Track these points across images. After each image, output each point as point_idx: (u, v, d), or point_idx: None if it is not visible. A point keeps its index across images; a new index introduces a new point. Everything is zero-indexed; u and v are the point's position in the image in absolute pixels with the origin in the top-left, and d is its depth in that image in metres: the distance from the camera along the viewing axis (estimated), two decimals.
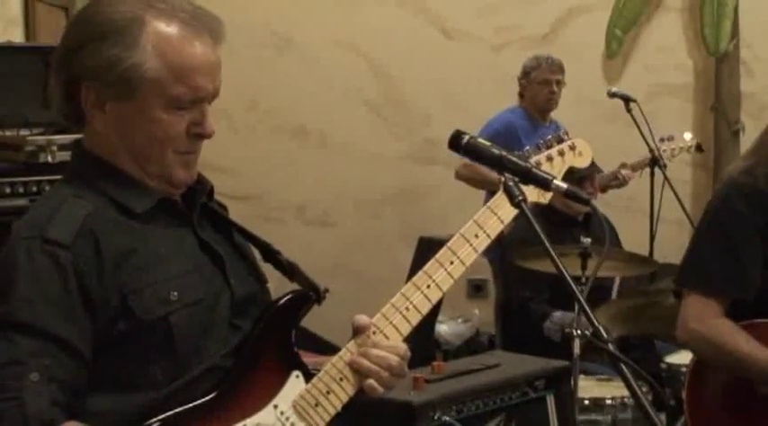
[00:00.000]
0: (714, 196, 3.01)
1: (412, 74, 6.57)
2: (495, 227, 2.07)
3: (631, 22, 6.74)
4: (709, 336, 2.84)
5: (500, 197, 2.07)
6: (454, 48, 6.65)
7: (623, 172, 5.58)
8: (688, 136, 5.81)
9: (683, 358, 4.27)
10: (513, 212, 2.07)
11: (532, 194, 2.14)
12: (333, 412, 1.88)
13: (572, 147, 2.27)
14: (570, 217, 4.67)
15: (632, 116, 5.40)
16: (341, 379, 1.90)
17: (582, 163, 2.32)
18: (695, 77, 6.82)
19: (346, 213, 6.49)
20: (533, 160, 2.21)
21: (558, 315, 4.45)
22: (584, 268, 4.00)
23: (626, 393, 3.87)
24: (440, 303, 5.47)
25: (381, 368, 1.89)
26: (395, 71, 6.57)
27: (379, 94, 6.57)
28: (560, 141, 2.28)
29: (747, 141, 6.51)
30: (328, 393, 1.89)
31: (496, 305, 5.30)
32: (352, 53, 6.50)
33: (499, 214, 2.08)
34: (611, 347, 2.08)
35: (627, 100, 5.47)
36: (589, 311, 2.04)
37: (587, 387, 3.99)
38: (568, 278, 2.11)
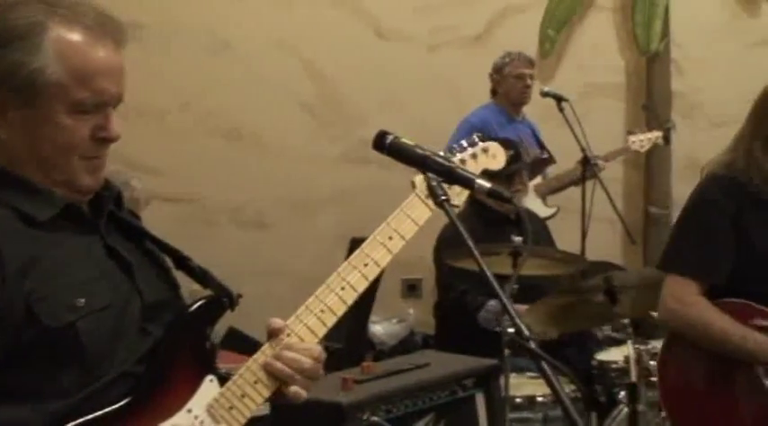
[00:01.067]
0: (694, 189, 3.18)
1: (347, 74, 6.56)
2: (409, 229, 2.07)
3: (564, 22, 6.79)
4: (684, 314, 3.03)
5: (413, 198, 2.09)
6: (389, 48, 6.65)
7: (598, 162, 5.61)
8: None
9: (613, 355, 4.32)
10: (428, 213, 2.08)
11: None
12: (247, 414, 1.88)
13: (485, 150, 2.29)
14: (503, 216, 4.69)
15: (564, 115, 5.45)
16: (255, 382, 1.90)
17: (495, 165, 2.34)
18: (627, 77, 6.89)
19: (282, 215, 6.45)
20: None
21: (492, 303, 4.44)
22: (515, 266, 4.01)
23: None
24: (371, 303, 5.49)
25: (294, 370, 1.90)
26: (329, 72, 6.55)
27: (313, 95, 6.55)
28: (473, 145, 2.30)
29: (677, 139, 6.62)
30: (243, 396, 1.88)
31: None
32: (286, 54, 6.47)
33: (413, 216, 2.08)
34: (532, 345, 2.08)
35: (559, 99, 5.51)
36: (511, 309, 2.03)
37: (519, 385, 4.01)
38: (490, 277, 2.11)
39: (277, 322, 1.93)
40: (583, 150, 5.46)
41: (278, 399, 1.94)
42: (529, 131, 5.92)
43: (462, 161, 2.23)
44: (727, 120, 6.75)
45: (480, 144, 2.30)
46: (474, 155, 2.27)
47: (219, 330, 2.95)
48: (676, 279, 3.08)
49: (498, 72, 5.87)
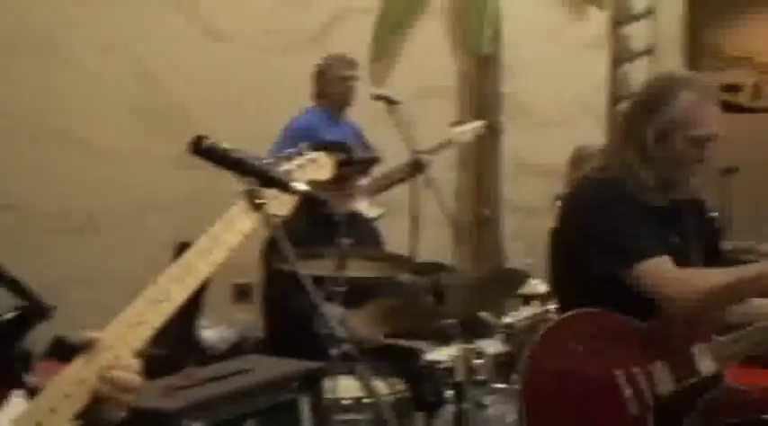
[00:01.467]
0: (574, 196, 3.17)
1: (179, 77, 6.46)
2: (233, 238, 2.04)
3: (397, 25, 6.86)
4: (684, 291, 2.89)
5: (236, 207, 2.06)
6: (223, 51, 6.58)
7: (422, 157, 5.63)
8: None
9: (440, 355, 4.37)
10: (253, 223, 2.06)
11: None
12: None
13: (312, 161, 2.29)
14: (331, 217, 4.69)
15: (395, 118, 5.51)
16: (66, 396, 1.83)
17: (322, 176, 2.33)
18: (458, 79, 7.00)
19: (112, 220, 6.31)
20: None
21: (324, 306, 4.43)
22: (342, 269, 4.01)
23: (387, 391, 3.92)
24: (197, 308, 5.40)
25: (113, 388, 1.84)
26: (161, 75, 6.44)
27: (144, 98, 6.43)
28: (299, 155, 2.29)
29: (506, 141, 6.76)
30: (53, 410, 1.82)
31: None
32: (116, 55, 6.33)
33: (238, 225, 2.05)
34: (346, 347, 2.11)
35: (390, 102, 5.57)
36: (326, 312, 2.04)
37: (348, 387, 4.01)
38: (306, 281, 2.13)
39: (91, 334, 1.87)
40: (413, 153, 5.53)
41: (91, 415, 1.88)
42: (351, 133, 5.95)
43: (288, 171, 2.21)
44: (555, 122, 7.02)
45: (307, 154, 2.29)
46: (301, 166, 2.26)
47: (42, 339, 2.87)
48: (644, 267, 2.92)
49: (321, 76, 5.92)
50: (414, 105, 6.02)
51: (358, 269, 4.05)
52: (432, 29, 6.98)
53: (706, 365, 2.95)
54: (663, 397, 2.92)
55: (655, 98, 3.02)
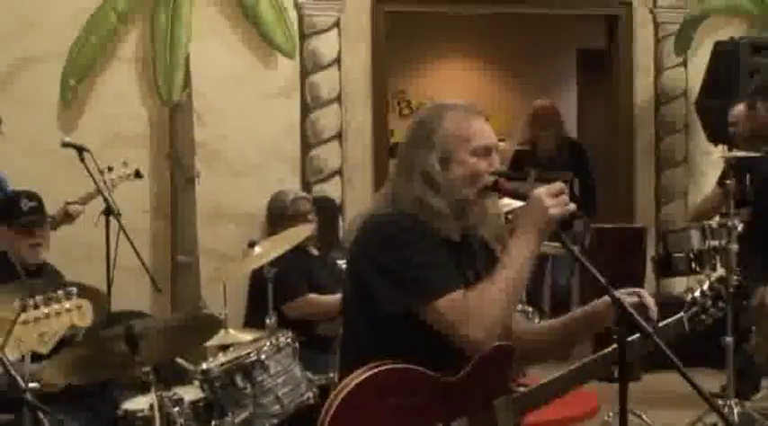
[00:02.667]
0: (365, 236, 2.95)
1: None
2: None
3: (85, 71, 6.74)
4: (480, 314, 2.77)
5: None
6: None
7: (71, 207, 5.52)
8: (126, 165, 5.83)
9: (139, 403, 4.30)
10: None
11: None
12: None
13: (78, 307, 2.48)
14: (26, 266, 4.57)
15: (86, 165, 5.42)
16: None
17: (83, 322, 2.53)
18: (150, 126, 6.95)
19: None
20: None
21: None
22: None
23: None
24: None
25: None
26: None
27: None
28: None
29: (202, 188, 6.78)
30: None
31: None
32: None
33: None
34: (28, 397, 2.06)
35: (80, 149, 5.49)
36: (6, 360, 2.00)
37: None
38: None
39: None
40: (105, 201, 5.46)
41: None
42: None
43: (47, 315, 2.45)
44: (248, 168, 7.10)
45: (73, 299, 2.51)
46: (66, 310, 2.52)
47: None
48: (443, 302, 2.78)
49: None
50: (105, 152, 5.93)
51: None
52: (121, 75, 6.89)
53: (506, 418, 2.94)
54: None
55: (425, 126, 2.97)
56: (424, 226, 2.87)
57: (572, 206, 2.84)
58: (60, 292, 2.42)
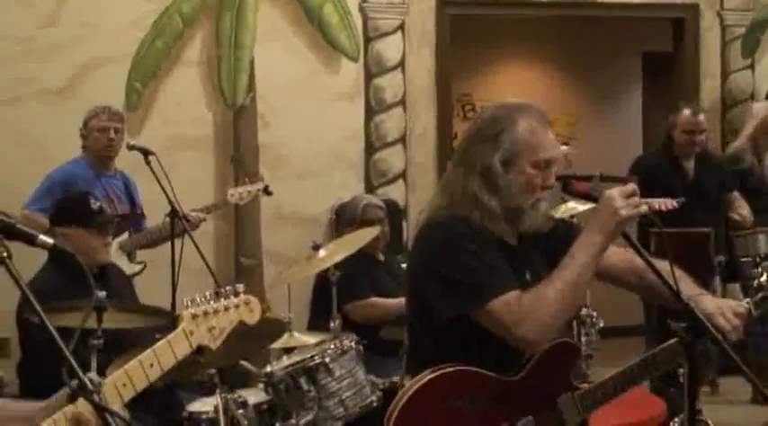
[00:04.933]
0: (422, 238, 2.98)
1: None
2: (168, 361, 2.34)
3: (150, 75, 6.79)
4: (534, 315, 2.75)
5: (179, 334, 2.35)
6: None
7: (193, 214, 5.60)
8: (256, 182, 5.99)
9: (204, 405, 4.31)
10: (188, 350, 2.40)
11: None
12: None
13: (246, 303, 2.53)
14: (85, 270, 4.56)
15: (152, 169, 5.44)
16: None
17: (251, 319, 2.56)
18: (214, 129, 6.99)
19: None
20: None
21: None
22: (100, 321, 3.91)
23: None
24: None
25: None
26: None
27: None
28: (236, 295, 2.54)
29: None
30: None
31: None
32: None
33: (176, 350, 2.34)
34: (96, 399, 2.08)
35: (146, 153, 5.50)
36: (74, 364, 2.01)
37: None
38: (56, 336, 2.14)
39: None
40: (171, 203, 5.46)
41: None
42: (120, 185, 5.85)
43: (216, 311, 2.48)
44: (311, 171, 7.10)
45: (240, 296, 2.54)
46: (235, 306, 2.55)
47: None
48: (498, 303, 2.77)
49: (85, 126, 5.81)
50: (170, 155, 5.97)
51: (116, 320, 3.96)
52: (185, 79, 6.95)
53: (572, 415, 2.93)
54: None
55: (496, 123, 2.93)
56: (477, 229, 2.87)
57: (644, 207, 2.79)
58: (228, 288, 2.46)
